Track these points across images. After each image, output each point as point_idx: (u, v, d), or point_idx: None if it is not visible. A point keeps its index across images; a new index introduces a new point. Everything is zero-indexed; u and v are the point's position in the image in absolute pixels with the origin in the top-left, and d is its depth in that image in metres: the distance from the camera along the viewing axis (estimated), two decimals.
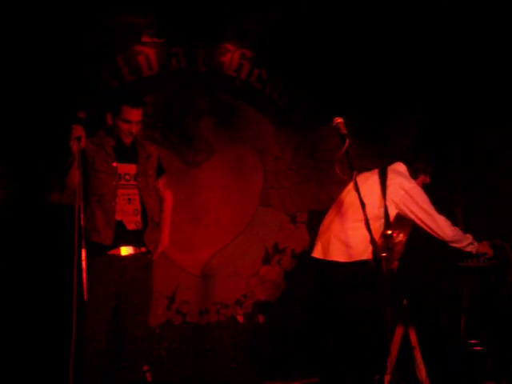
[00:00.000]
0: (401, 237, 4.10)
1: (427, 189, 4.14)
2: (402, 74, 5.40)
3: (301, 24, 5.24)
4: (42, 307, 4.66)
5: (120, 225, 3.71)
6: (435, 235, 3.96)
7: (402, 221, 4.01)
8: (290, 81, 5.46)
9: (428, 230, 3.95)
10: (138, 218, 3.77)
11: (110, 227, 3.67)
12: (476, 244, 4.07)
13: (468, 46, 5.15)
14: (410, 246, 4.19)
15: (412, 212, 3.92)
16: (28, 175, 4.78)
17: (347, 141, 3.34)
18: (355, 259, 3.87)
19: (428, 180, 4.22)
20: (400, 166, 4.15)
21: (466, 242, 4.04)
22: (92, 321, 3.61)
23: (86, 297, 3.24)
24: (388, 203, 3.90)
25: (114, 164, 3.73)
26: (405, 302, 4.23)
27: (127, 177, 3.78)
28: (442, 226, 3.93)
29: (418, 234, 4.07)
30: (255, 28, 5.25)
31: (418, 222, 3.95)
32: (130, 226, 3.74)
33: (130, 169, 3.80)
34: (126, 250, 3.73)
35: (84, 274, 3.23)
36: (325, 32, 5.28)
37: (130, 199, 3.75)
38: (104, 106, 3.85)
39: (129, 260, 3.73)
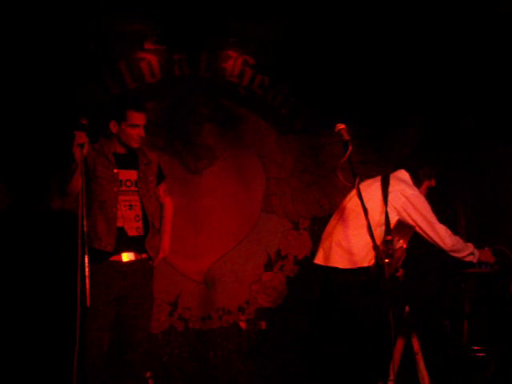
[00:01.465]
0: (401, 243, 4.09)
1: (431, 196, 4.14)
2: (405, 80, 5.40)
3: (303, 31, 5.25)
4: (45, 314, 4.66)
5: (121, 231, 3.71)
6: (434, 244, 3.95)
7: (402, 227, 4.00)
8: (292, 87, 5.46)
9: (427, 238, 3.94)
10: (139, 224, 3.77)
11: (111, 234, 3.68)
12: (477, 253, 4.05)
13: (471, 51, 5.15)
14: (411, 251, 4.18)
15: (412, 219, 3.91)
16: (30, 182, 4.79)
17: (350, 147, 3.35)
18: (356, 266, 3.86)
19: (433, 183, 4.21)
20: (403, 174, 4.14)
21: (465, 252, 4.02)
22: (94, 327, 3.60)
23: (88, 303, 3.25)
24: (389, 209, 3.89)
25: (115, 170, 3.74)
26: (407, 308, 4.23)
27: (128, 183, 3.78)
28: (441, 235, 3.91)
29: (419, 239, 4.06)
30: (257, 35, 5.27)
31: (418, 229, 3.94)
32: (131, 233, 3.74)
33: (130, 175, 3.80)
34: (127, 257, 3.73)
35: (87, 281, 3.23)
36: (327, 39, 5.29)
37: (131, 205, 3.75)
38: (106, 112, 3.86)
39: (130, 266, 3.74)
